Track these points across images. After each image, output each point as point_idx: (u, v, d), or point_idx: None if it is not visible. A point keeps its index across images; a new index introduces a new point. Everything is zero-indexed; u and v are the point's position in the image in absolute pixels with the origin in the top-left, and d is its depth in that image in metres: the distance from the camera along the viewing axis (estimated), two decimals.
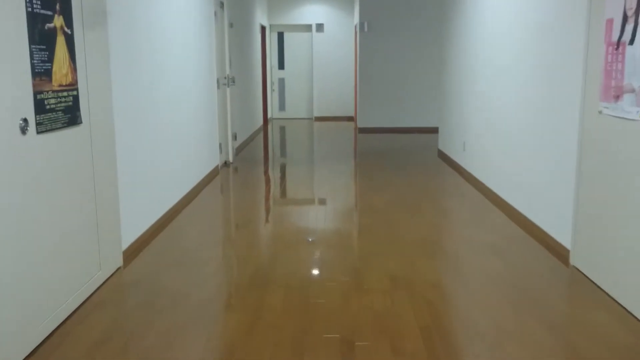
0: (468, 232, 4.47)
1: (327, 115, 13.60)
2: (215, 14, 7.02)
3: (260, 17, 11.77)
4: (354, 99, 13.20)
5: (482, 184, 5.91)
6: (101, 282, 3.45)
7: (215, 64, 7.01)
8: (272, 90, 13.69)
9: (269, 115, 13.42)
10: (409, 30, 10.99)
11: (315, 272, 3.63)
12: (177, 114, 5.27)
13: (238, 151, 8.60)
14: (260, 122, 11.69)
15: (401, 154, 8.51)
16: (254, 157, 8.29)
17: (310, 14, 13.29)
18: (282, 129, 11.96)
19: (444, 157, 7.91)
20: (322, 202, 5.51)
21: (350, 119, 13.58)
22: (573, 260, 3.71)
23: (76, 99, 3.11)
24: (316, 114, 13.60)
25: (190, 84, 5.81)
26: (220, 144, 7.26)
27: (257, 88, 11.12)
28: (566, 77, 3.84)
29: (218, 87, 7.18)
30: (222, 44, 7.44)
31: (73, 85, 3.07)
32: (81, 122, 3.16)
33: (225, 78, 7.53)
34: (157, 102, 4.66)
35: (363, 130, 11.23)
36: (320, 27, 13.28)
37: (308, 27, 13.42)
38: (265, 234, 4.47)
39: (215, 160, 7.04)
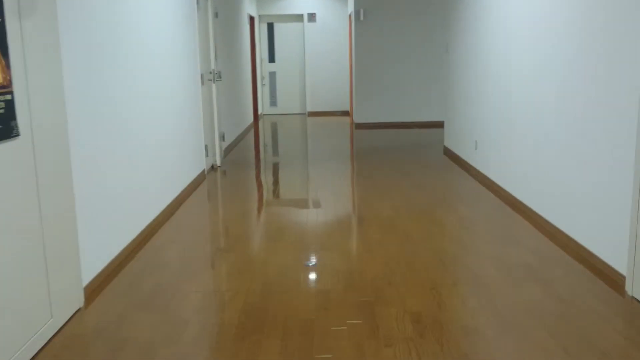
0: (496, 249, 3.82)
1: (321, 110, 12.92)
2: (198, 2, 6.31)
3: (249, 7, 11.06)
4: (349, 93, 12.53)
5: (501, 188, 5.27)
6: (54, 331, 2.77)
7: (198, 58, 6.32)
8: (263, 84, 12.99)
9: (260, 111, 12.73)
10: (409, 16, 10.31)
11: (318, 311, 2.97)
12: (153, 116, 4.58)
13: (227, 152, 7.92)
14: (251, 119, 11.00)
15: (403, 151, 7.85)
16: (244, 159, 7.61)
17: (302, 3, 12.58)
18: (274, 126, 11.28)
19: (451, 155, 7.26)
20: (321, 212, 4.85)
21: (345, 113, 12.90)
22: (630, 289, 3.07)
23: (10, 104, 2.42)
24: (309, 108, 12.92)
25: (169, 81, 5.12)
26: (206, 146, 6.58)
27: (246, 83, 10.43)
28: (623, 66, 3.18)
29: (202, 83, 6.49)
30: (206, 36, 6.74)
31: (6, 88, 2.39)
32: (18, 135, 2.48)
33: (210, 73, 6.84)
34: (127, 103, 3.98)
35: (360, 126, 10.56)
36: (312, 16, 12.58)
37: (299, 17, 12.71)
38: (257, 256, 3.80)
39: (201, 165, 6.36)
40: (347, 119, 12.05)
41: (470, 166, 6.32)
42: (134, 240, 3.99)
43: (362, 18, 10.25)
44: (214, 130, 6.97)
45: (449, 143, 7.43)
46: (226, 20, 8.35)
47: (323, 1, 12.54)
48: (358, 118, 10.61)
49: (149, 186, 4.42)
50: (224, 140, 7.68)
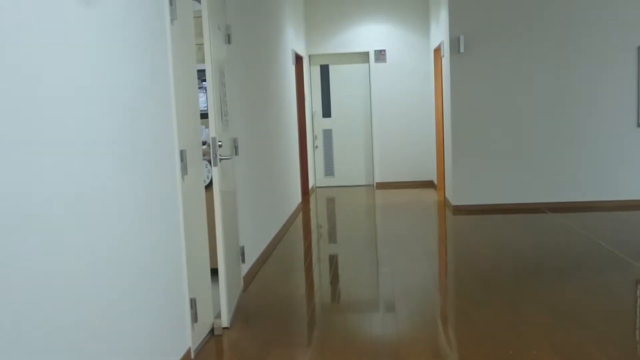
0: None
1: (393, 181, 9.44)
2: (171, 3, 3.02)
3: (294, 42, 7.83)
4: (435, 157, 9.02)
5: None
6: None
7: (175, 120, 2.99)
8: (315, 147, 9.66)
9: (311, 184, 9.35)
10: (543, 40, 6.83)
11: None
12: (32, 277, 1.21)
13: (249, 279, 4.49)
14: (298, 198, 7.62)
15: (567, 280, 4.20)
16: (279, 295, 4.13)
17: (366, 38, 9.30)
18: (330, 208, 7.84)
19: None
20: None
21: (428, 184, 9.38)
22: None
23: None
24: (378, 179, 9.46)
25: (84, 186, 1.76)
26: (192, 301, 3.17)
27: (289, 147, 7.09)
28: None
29: (185, 172, 3.12)
30: (190, 72, 3.43)
31: None
32: None
33: (206, 147, 3.49)
34: None
35: (460, 210, 7.01)
36: (380, 54, 9.27)
37: (364, 56, 9.42)
38: None
39: (182, 343, 2.94)
40: (432, 195, 8.50)
41: None
42: None
43: (462, 49, 6.83)
44: (219, 254, 3.56)
45: None
46: (251, 52, 5.07)
47: (395, 34, 9.24)
48: (457, 198, 7.06)
49: None
50: (243, 261, 4.28)
